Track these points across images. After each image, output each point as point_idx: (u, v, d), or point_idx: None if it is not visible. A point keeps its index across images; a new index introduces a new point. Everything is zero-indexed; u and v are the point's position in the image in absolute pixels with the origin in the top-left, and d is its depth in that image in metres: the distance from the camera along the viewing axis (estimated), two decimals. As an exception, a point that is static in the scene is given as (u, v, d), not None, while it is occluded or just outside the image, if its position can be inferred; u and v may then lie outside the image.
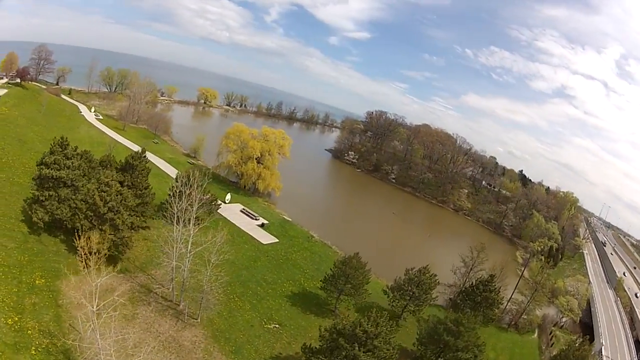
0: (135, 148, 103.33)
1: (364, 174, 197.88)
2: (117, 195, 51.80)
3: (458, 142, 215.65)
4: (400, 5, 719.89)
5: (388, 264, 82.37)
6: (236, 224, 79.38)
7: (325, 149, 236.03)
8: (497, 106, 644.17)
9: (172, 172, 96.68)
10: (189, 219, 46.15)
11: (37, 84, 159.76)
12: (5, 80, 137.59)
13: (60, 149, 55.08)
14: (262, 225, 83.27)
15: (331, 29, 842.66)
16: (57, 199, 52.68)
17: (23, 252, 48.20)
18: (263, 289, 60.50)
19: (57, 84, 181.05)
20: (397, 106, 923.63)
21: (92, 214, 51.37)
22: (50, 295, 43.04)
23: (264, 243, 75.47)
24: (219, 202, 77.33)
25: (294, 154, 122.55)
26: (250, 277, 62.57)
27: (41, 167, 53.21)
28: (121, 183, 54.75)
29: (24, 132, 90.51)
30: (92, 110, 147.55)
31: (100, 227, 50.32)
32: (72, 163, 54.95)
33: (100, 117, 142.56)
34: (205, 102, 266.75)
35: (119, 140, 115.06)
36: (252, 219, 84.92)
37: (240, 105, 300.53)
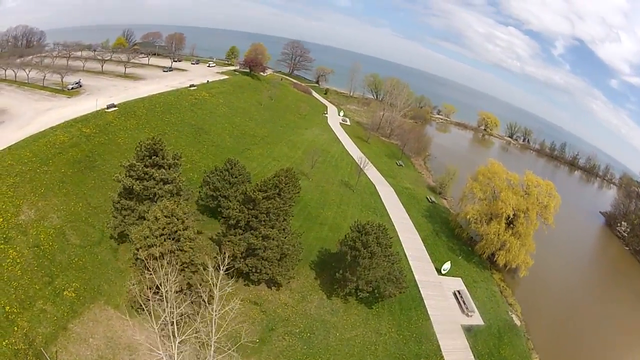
0: (372, 171, 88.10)
1: (632, 256, 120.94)
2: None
3: None
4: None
5: None
6: (431, 315, 50.05)
7: (600, 212, 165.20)
8: None
9: (395, 209, 74.25)
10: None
11: (287, 77, 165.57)
12: (235, 67, 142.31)
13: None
14: (469, 331, 50.02)
15: (610, 69, 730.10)
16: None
17: (82, 254, 43.14)
18: None
19: (317, 82, 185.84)
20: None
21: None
22: (67, 312, 37.07)
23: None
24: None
25: (559, 213, 78.34)
26: None
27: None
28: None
29: (211, 122, 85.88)
30: (341, 114, 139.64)
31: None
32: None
33: (348, 122, 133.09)
34: (485, 129, 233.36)
35: (351, 152, 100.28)
36: (462, 310, 52.86)
37: (523, 140, 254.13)
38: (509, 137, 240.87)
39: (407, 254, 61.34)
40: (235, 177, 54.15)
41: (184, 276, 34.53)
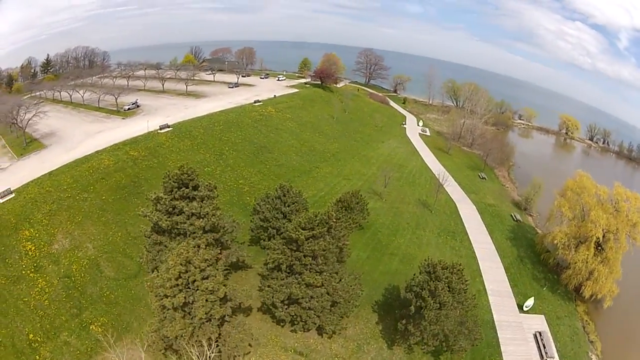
0: (452, 186, 77.86)
1: None
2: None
3: None
4: None
5: None
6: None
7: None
8: None
9: (477, 231, 63.94)
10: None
11: (364, 87, 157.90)
12: (306, 80, 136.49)
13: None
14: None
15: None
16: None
17: (114, 287, 40.83)
18: None
19: (395, 91, 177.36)
20: None
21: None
22: (91, 347, 34.79)
23: None
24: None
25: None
26: None
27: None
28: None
29: (276, 139, 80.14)
30: (420, 124, 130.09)
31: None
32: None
33: (428, 133, 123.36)
34: (566, 133, 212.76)
35: (430, 166, 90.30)
36: (542, 357, 40.90)
37: (603, 142, 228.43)
38: (590, 139, 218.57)
39: (487, 288, 51.06)
40: (289, 206, 46.90)
41: (203, 331, 28.44)
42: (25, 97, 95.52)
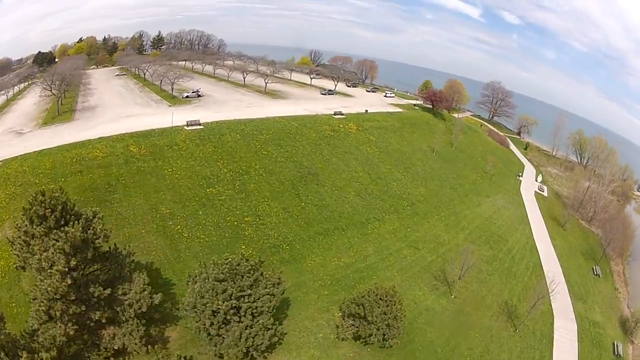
0: (558, 285, 50.17)
1: None
2: None
3: None
4: None
5: None
6: None
7: None
8: None
9: None
10: None
11: (486, 122, 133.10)
12: (417, 102, 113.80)
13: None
14: None
15: None
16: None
17: None
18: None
19: (518, 133, 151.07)
20: None
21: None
22: None
23: None
24: None
25: None
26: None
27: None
28: None
29: (336, 165, 60.49)
30: (539, 179, 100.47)
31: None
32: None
33: (545, 192, 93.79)
34: None
35: (539, 244, 62.61)
36: None
37: None
38: None
39: None
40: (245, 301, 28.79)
41: None
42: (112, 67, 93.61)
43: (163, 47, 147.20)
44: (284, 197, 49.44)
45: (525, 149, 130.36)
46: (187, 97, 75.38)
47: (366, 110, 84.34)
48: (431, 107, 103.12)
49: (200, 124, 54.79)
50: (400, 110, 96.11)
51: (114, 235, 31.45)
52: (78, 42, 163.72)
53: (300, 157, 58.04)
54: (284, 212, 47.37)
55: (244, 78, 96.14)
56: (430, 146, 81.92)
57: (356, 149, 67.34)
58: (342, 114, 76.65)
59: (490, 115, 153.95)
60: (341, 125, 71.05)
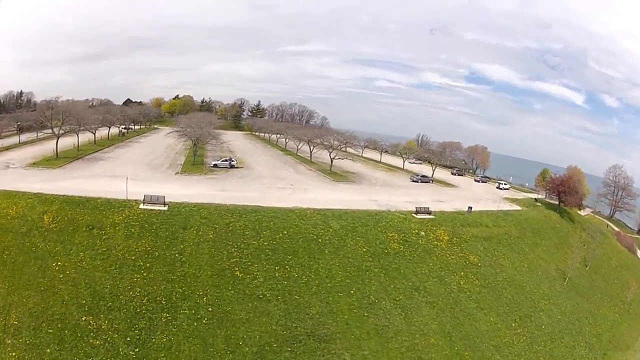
0: None
1: None
2: None
3: None
4: None
5: None
6: None
7: None
8: None
9: None
10: None
11: (607, 221, 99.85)
12: (537, 196, 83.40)
13: None
14: None
15: None
16: None
17: None
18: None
19: (639, 232, 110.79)
20: None
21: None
22: None
23: None
24: None
25: None
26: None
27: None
28: None
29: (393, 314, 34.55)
30: None
31: None
32: None
33: None
34: None
35: None
36: None
37: None
38: None
39: None
40: None
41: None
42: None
43: (263, 117, 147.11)
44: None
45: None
46: (214, 165, 63.86)
47: (470, 208, 57.29)
48: (558, 203, 73.66)
49: (164, 204, 40.21)
50: (517, 207, 67.95)
51: None
52: (174, 98, 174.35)
53: (311, 292, 34.52)
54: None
55: (311, 151, 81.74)
56: (560, 269, 53.26)
57: (439, 282, 40.93)
58: (430, 213, 52.21)
59: (612, 211, 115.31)
60: (423, 233, 46.34)
